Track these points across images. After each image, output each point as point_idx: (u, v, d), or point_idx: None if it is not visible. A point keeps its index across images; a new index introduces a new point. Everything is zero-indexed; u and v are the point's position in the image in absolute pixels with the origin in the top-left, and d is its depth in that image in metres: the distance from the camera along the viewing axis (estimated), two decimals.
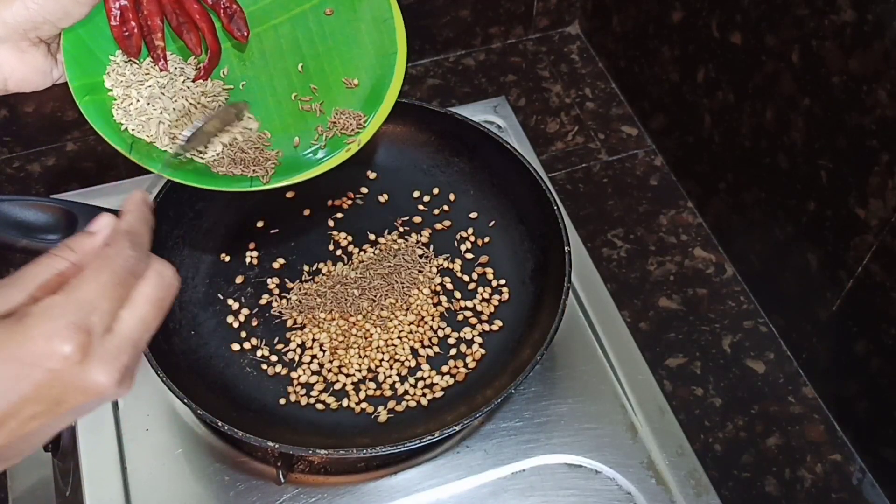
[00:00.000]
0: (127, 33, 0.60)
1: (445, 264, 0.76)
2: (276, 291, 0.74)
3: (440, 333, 0.72)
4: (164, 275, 0.46)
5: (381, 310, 0.73)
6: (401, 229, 0.78)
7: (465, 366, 0.71)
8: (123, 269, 0.44)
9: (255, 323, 0.73)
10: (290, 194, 0.80)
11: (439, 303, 0.74)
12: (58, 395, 0.41)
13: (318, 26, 0.66)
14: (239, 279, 0.75)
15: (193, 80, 0.62)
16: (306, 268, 0.76)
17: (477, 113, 0.87)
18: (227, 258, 0.76)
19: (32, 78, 0.57)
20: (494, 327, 0.73)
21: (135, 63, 0.61)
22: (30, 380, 0.40)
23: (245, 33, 0.63)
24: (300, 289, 0.74)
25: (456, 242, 0.77)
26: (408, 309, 0.73)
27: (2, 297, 0.41)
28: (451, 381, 0.70)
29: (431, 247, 0.77)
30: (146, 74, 0.61)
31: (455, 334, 0.72)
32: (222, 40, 0.64)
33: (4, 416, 0.40)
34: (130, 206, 0.49)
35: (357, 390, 0.69)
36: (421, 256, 0.76)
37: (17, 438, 0.41)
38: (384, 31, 0.64)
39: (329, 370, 0.70)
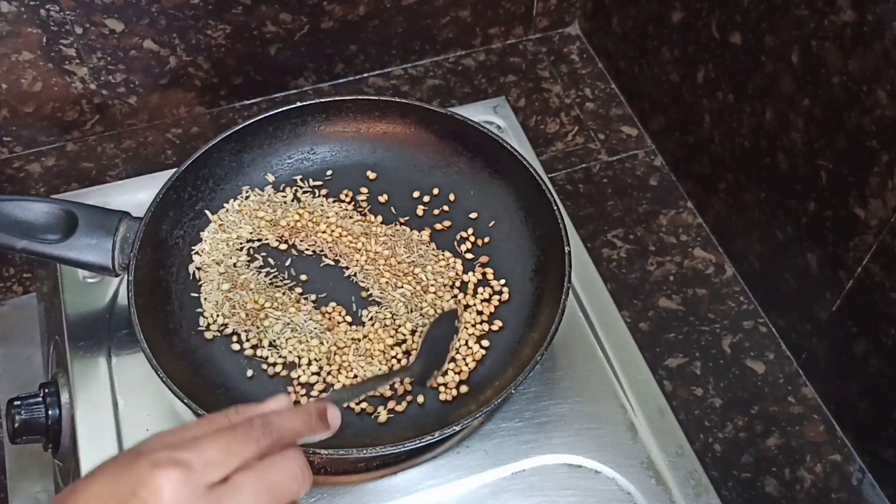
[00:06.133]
0: None
1: (445, 264, 0.76)
2: None
3: None
4: (286, 466, 0.45)
5: (381, 309, 0.73)
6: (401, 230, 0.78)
7: (466, 366, 0.70)
8: (245, 438, 0.44)
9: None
10: (289, 197, 0.80)
11: (439, 302, 0.74)
12: None
13: None
14: None
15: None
16: (307, 267, 0.76)
17: (477, 113, 0.87)
18: None
19: None
20: (494, 327, 0.73)
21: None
22: (118, 497, 0.40)
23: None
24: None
25: (456, 242, 0.77)
26: (408, 309, 0.73)
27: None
28: (452, 380, 0.70)
29: (432, 246, 0.77)
30: None
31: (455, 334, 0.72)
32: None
33: None
34: (307, 415, 0.50)
35: None
36: (421, 256, 0.76)
37: None
38: None
39: (329, 371, 0.70)
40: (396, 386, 0.69)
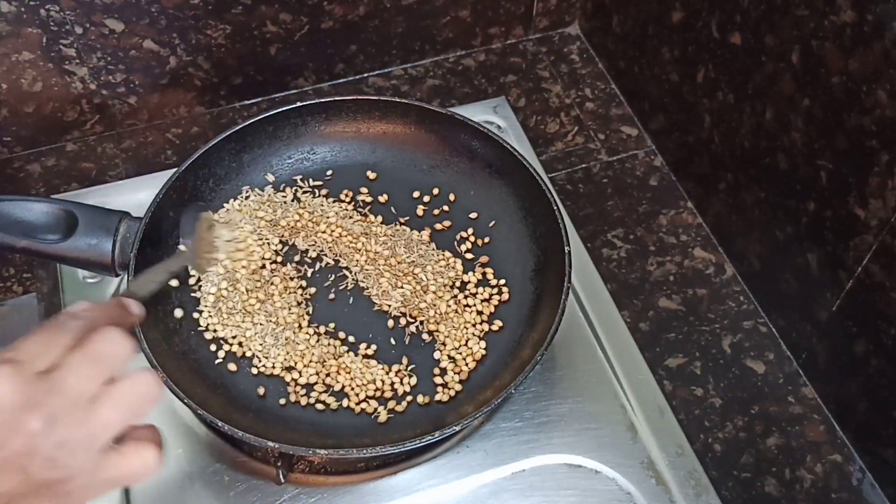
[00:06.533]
0: None
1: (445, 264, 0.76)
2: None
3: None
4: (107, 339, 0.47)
5: (381, 309, 0.73)
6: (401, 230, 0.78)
7: (465, 366, 0.70)
8: (59, 329, 0.47)
9: None
10: (289, 197, 0.80)
11: (439, 302, 0.74)
12: None
13: None
14: None
15: None
16: (306, 268, 0.76)
17: (477, 113, 0.87)
18: None
19: None
20: (494, 327, 0.73)
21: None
22: None
23: None
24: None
25: (456, 242, 0.77)
26: (407, 308, 0.73)
27: None
28: (452, 380, 0.70)
29: (432, 246, 0.77)
30: None
31: (455, 334, 0.72)
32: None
33: None
34: (109, 306, 0.53)
35: (357, 391, 0.69)
36: (421, 256, 0.76)
37: None
38: None
39: (328, 373, 0.70)
40: (396, 386, 0.69)
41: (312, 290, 0.74)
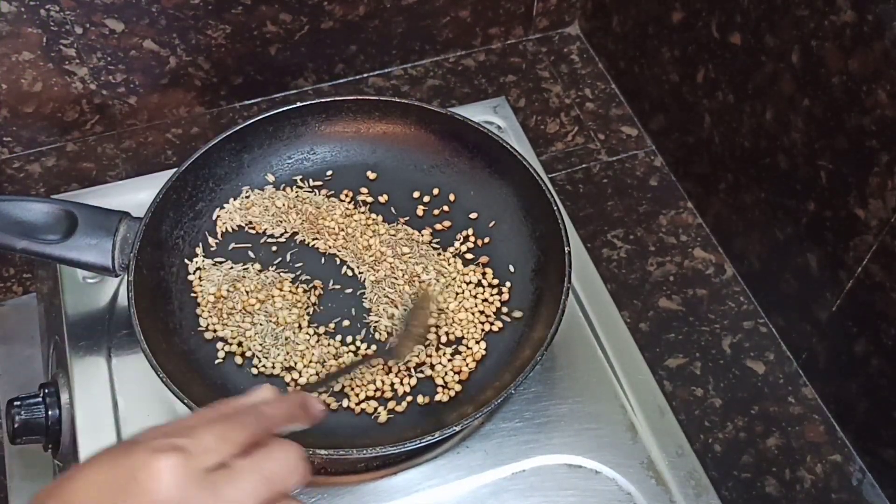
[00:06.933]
0: None
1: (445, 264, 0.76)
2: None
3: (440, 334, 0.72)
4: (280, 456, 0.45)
5: (381, 309, 0.73)
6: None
7: (466, 366, 0.70)
8: (238, 425, 0.44)
9: None
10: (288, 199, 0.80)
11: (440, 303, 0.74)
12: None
13: None
14: None
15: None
16: (307, 268, 0.76)
17: (477, 113, 0.87)
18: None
19: None
20: (494, 327, 0.73)
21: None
22: (117, 482, 0.40)
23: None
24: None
25: (456, 243, 0.77)
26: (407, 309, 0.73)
27: None
28: (452, 380, 0.70)
29: (432, 246, 0.77)
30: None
31: (455, 334, 0.72)
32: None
33: None
34: (293, 404, 0.50)
35: (357, 391, 0.69)
36: (422, 256, 0.76)
37: None
38: None
39: (328, 373, 0.70)
40: (397, 387, 0.69)
41: (313, 289, 0.74)
